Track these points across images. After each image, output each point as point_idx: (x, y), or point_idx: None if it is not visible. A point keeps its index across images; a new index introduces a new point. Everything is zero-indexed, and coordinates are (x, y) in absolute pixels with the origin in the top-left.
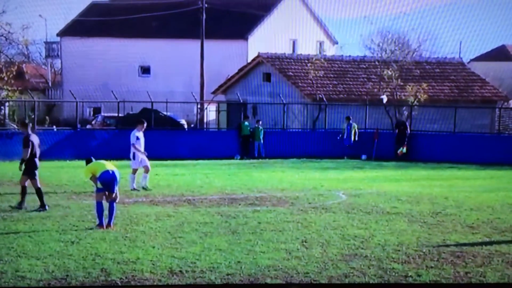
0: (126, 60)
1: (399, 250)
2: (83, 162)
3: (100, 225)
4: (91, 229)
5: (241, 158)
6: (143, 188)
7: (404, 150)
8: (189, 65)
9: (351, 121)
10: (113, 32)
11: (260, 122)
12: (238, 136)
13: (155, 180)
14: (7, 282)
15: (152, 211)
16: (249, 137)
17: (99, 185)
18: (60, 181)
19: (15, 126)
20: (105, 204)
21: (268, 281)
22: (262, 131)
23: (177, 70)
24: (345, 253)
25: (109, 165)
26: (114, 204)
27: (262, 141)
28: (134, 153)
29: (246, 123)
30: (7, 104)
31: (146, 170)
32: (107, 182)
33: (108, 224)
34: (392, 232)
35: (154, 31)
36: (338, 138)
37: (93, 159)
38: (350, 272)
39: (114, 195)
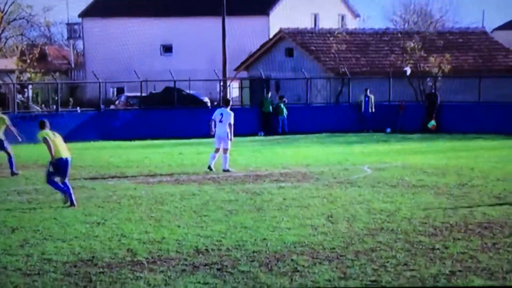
0: (148, 39)
1: (425, 223)
2: (108, 143)
3: (72, 202)
4: (116, 210)
5: (265, 135)
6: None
7: (434, 123)
8: (211, 42)
9: (368, 93)
10: (134, 12)
11: (284, 99)
12: (260, 113)
13: (179, 159)
14: (33, 265)
15: (176, 190)
16: (271, 113)
17: (51, 169)
18: (84, 163)
19: (38, 108)
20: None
21: (294, 257)
22: (285, 107)
23: (199, 48)
24: (372, 227)
25: (64, 152)
26: (67, 182)
27: (285, 116)
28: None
29: (268, 99)
30: (30, 86)
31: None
32: (60, 168)
33: (72, 203)
34: (419, 205)
35: (175, 9)
36: (363, 111)
37: (47, 124)
38: (377, 246)
39: (66, 178)
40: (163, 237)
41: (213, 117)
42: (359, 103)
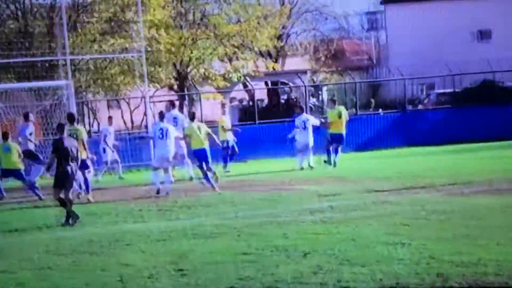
0: (461, 25)
1: None
2: (415, 149)
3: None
4: (425, 227)
5: None
6: None
7: None
8: None
9: None
10: None
11: None
12: None
13: (501, 164)
14: None
15: (496, 201)
16: None
17: None
18: (388, 173)
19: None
20: None
21: None
22: None
23: None
24: None
25: None
26: None
27: None
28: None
29: None
30: (325, 88)
31: None
32: None
33: None
34: None
35: None
36: None
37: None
38: None
39: None
40: (479, 258)
41: (296, 125)
42: None
